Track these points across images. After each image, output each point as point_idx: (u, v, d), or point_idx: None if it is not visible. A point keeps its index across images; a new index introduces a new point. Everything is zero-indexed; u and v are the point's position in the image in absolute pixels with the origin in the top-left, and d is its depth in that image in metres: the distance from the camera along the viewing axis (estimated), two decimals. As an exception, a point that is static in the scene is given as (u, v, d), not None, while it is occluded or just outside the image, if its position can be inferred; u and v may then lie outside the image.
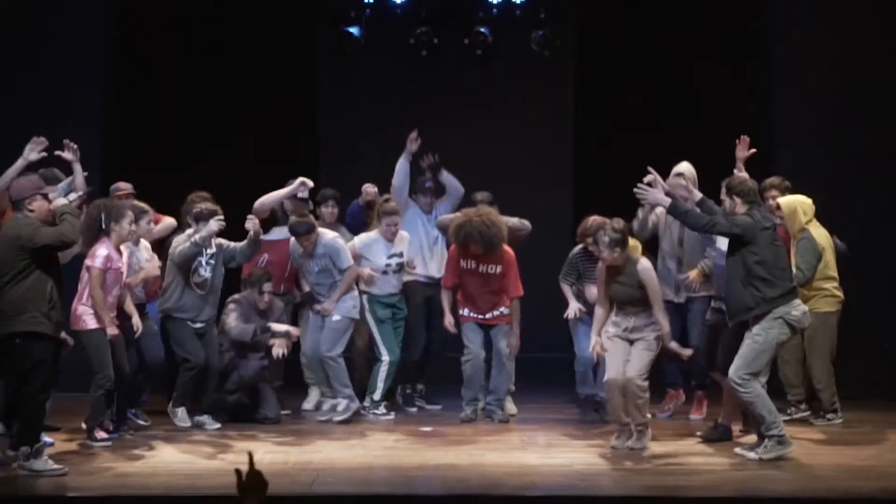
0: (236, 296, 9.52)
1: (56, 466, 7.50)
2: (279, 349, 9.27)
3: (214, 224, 9.01)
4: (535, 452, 8.42)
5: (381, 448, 8.52)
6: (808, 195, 9.32)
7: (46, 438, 8.38)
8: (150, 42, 12.06)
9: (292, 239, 9.54)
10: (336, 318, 9.45)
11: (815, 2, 11.15)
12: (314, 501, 6.99)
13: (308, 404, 9.97)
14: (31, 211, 7.55)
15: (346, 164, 12.25)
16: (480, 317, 9.51)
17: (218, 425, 9.18)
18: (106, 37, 11.51)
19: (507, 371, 9.56)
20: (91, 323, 8.26)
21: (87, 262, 8.30)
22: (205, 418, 9.20)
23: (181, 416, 9.18)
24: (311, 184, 9.76)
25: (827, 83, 11.08)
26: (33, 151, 8.29)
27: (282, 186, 9.79)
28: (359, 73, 12.86)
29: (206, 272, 9.18)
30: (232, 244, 9.34)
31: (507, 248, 9.45)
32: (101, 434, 8.43)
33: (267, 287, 9.40)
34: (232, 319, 9.32)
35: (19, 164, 8.25)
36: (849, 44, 11.04)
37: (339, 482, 7.42)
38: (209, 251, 9.16)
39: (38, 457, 7.46)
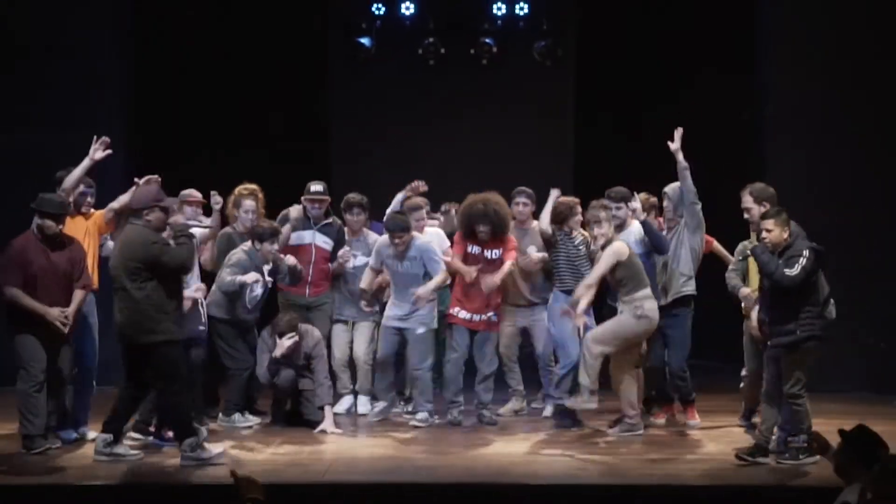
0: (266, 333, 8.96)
1: (215, 452, 7.47)
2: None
3: (259, 288, 8.78)
4: (537, 443, 8.37)
5: (391, 440, 8.45)
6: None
7: (90, 432, 8.23)
8: (170, 50, 12.06)
9: (380, 240, 9.09)
10: (420, 331, 8.99)
11: (807, 11, 11.11)
12: (327, 489, 6.95)
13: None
14: (149, 221, 7.44)
15: (357, 167, 12.24)
16: (470, 317, 8.99)
17: (250, 422, 8.91)
18: (127, 47, 11.50)
19: (491, 377, 9.06)
20: None
21: None
22: (235, 416, 8.96)
23: (239, 418, 8.87)
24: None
25: (819, 89, 11.03)
26: (98, 151, 8.18)
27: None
28: (370, 81, 12.89)
29: (259, 289, 8.87)
30: (283, 262, 9.00)
31: (510, 237, 9.05)
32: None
33: (287, 340, 8.75)
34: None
35: (85, 163, 8.15)
36: (840, 51, 10.99)
37: (350, 472, 7.38)
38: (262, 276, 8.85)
39: (202, 447, 7.44)
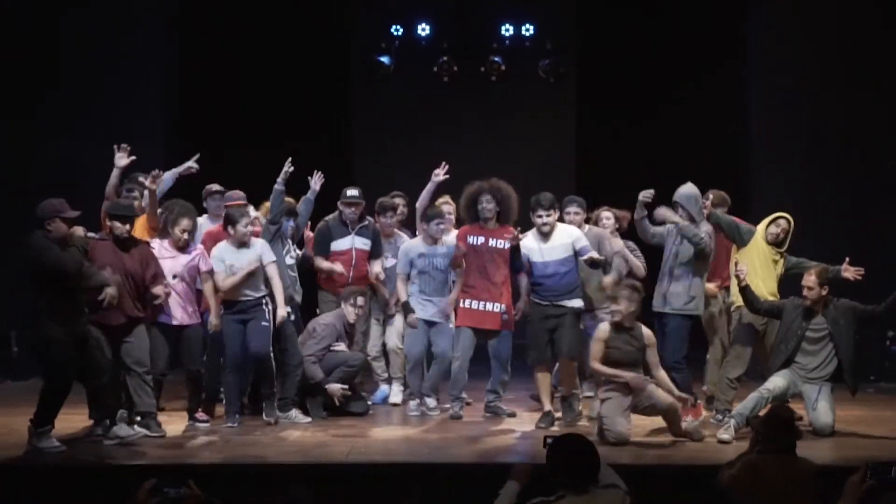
0: (327, 320, 8.65)
1: (56, 444, 7.23)
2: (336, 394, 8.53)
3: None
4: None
5: (409, 424, 8.41)
6: (781, 208, 9.15)
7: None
8: (206, 68, 12.09)
9: (406, 243, 8.76)
10: (451, 325, 8.62)
11: (792, 32, 11.08)
12: (350, 469, 6.91)
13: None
14: (50, 231, 7.17)
15: (377, 177, 12.22)
16: (480, 306, 8.32)
17: (307, 418, 8.48)
18: (170, 66, 11.53)
19: (507, 371, 8.58)
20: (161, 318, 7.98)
21: None
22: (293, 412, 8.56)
23: (297, 414, 8.40)
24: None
25: (802, 105, 11.02)
26: (122, 159, 8.03)
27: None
28: (389, 96, 12.96)
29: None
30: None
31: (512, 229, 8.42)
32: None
33: (360, 301, 8.60)
34: (308, 350, 8.51)
35: (115, 172, 8.03)
36: (824, 70, 10.96)
37: (372, 453, 7.35)
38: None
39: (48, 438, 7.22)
